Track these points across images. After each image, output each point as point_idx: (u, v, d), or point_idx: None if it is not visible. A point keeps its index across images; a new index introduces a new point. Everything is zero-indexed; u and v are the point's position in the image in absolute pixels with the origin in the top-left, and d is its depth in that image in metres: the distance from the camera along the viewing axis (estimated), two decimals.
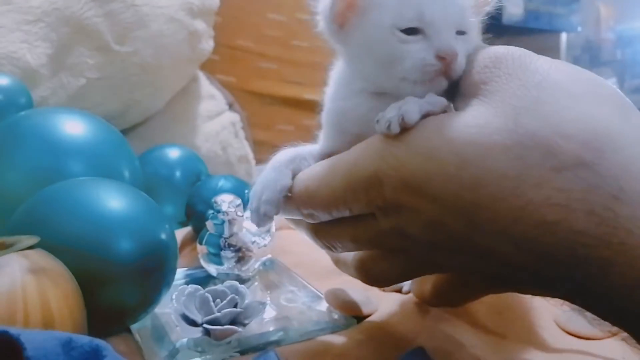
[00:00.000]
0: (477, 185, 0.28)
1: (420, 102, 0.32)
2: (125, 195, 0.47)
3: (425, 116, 0.32)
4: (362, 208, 0.34)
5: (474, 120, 0.30)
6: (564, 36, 1.95)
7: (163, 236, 0.47)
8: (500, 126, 0.29)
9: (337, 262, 0.44)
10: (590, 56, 2.31)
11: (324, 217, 0.37)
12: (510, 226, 0.28)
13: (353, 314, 0.48)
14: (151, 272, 0.45)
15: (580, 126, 0.28)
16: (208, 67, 1.14)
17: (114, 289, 0.43)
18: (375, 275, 0.38)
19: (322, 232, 0.38)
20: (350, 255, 0.40)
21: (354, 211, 0.35)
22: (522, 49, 0.32)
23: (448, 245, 0.31)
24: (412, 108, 0.31)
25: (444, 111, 0.32)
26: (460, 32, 0.35)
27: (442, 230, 0.31)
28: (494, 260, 0.30)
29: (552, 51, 1.91)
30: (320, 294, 0.51)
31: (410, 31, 0.34)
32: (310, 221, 0.38)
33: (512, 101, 0.29)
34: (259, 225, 0.39)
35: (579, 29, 2.03)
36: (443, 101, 0.33)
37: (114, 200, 0.46)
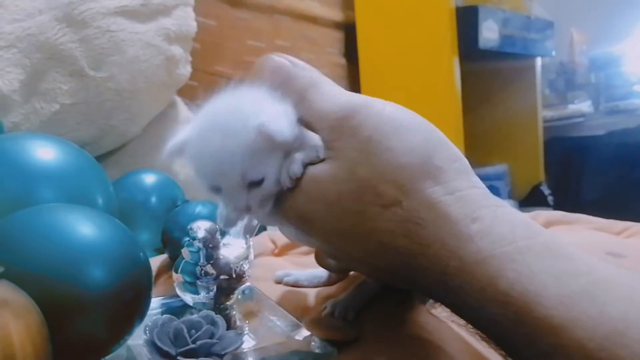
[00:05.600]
0: (338, 219, 0.39)
1: (301, 157, 0.41)
2: (97, 221, 0.45)
3: (307, 165, 0.41)
4: None
5: (328, 175, 0.40)
6: (538, 60, 1.98)
7: (137, 264, 0.45)
8: (344, 177, 0.39)
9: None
10: (565, 80, 2.35)
11: None
12: (364, 246, 0.39)
13: (334, 339, 0.47)
14: (124, 302, 0.43)
15: (395, 174, 0.38)
16: (187, 93, 1.13)
17: (83, 320, 0.41)
18: (325, 265, 0.56)
19: None
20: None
21: None
22: (365, 99, 0.40)
23: (339, 255, 0.45)
24: (295, 166, 0.41)
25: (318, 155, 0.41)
26: (253, 183, 0.41)
27: (331, 245, 0.43)
28: (365, 266, 0.43)
29: (527, 75, 1.94)
30: (299, 323, 0.50)
31: (216, 188, 0.43)
32: None
33: (351, 156, 0.39)
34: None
35: (553, 53, 2.06)
36: (316, 150, 0.41)
37: (84, 227, 0.44)
